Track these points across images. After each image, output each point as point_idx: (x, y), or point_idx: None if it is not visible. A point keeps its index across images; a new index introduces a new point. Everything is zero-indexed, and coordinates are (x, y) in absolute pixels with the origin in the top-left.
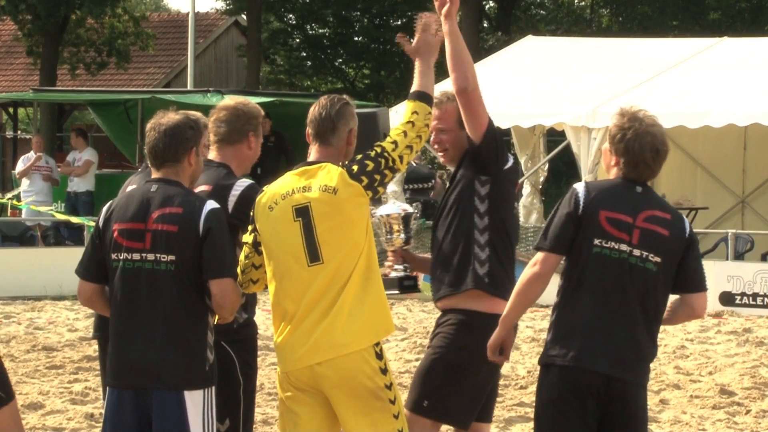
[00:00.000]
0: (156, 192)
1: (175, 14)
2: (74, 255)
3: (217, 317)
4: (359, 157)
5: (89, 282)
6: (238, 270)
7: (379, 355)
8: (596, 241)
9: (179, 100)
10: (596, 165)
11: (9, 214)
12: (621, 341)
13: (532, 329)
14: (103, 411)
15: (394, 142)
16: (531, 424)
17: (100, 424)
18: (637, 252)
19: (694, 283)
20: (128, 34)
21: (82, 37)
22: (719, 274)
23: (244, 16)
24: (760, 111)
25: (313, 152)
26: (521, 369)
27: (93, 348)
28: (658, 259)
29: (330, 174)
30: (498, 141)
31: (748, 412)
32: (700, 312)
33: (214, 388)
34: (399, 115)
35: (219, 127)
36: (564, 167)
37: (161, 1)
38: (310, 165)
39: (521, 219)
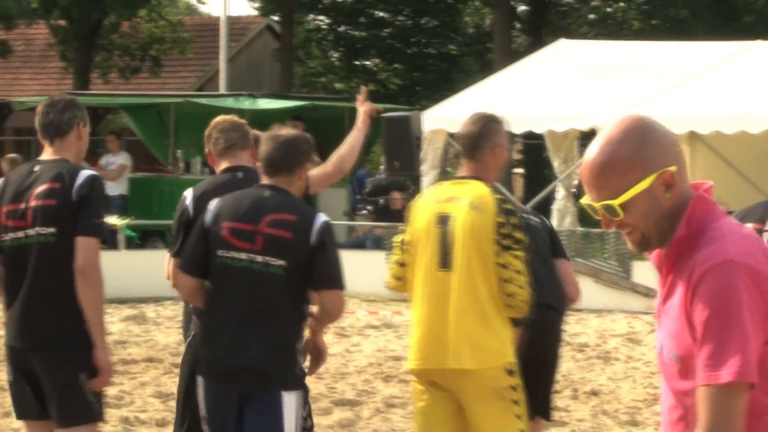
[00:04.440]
0: (269, 197)
1: (208, 18)
2: (107, 257)
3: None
4: (513, 208)
5: (193, 276)
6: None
7: (511, 372)
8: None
9: (212, 103)
10: None
11: None
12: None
13: None
14: (138, 414)
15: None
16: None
17: (135, 428)
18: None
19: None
20: (165, 39)
21: (115, 43)
22: None
23: (277, 18)
24: None
25: (463, 167)
26: None
27: (127, 351)
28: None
29: (480, 193)
30: None
31: None
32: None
33: (305, 390)
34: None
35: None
36: None
37: (195, 6)
38: (462, 179)
39: (555, 222)
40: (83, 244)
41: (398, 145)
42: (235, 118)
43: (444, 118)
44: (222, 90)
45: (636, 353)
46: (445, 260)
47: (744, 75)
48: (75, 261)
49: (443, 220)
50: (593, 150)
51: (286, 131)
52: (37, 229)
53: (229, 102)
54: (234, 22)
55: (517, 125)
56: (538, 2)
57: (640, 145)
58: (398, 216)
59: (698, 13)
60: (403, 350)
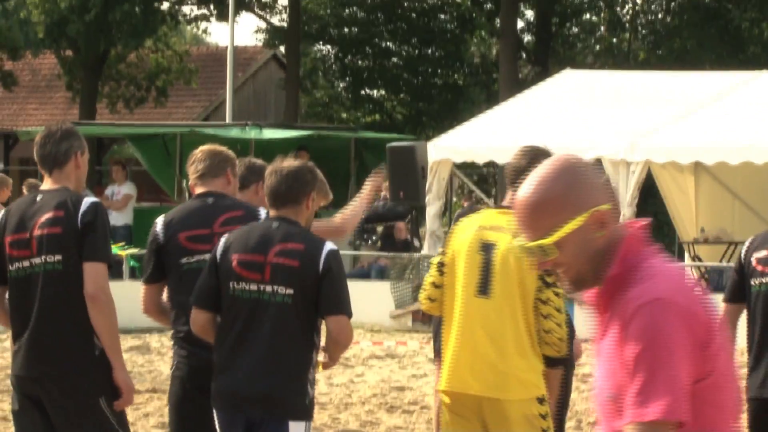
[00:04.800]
0: (278, 229)
1: (214, 48)
2: (114, 287)
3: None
4: None
5: (205, 311)
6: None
7: (541, 400)
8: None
9: (218, 133)
10: (634, 199)
11: None
12: None
13: None
14: None
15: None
16: None
17: None
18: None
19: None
20: (171, 70)
21: (122, 72)
22: None
23: (283, 50)
24: None
25: (508, 196)
26: None
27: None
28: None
29: None
30: None
31: None
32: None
33: (311, 422)
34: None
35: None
36: None
37: (202, 35)
38: (509, 209)
39: None
40: (91, 269)
41: (403, 175)
42: (212, 147)
43: (449, 148)
44: (228, 120)
45: None
46: (484, 287)
47: (749, 106)
48: (85, 287)
49: (487, 247)
50: (525, 190)
51: (289, 163)
52: (43, 257)
53: (235, 132)
54: (240, 53)
55: None
56: (543, 33)
57: (572, 184)
58: (402, 246)
59: (704, 43)
60: (407, 381)
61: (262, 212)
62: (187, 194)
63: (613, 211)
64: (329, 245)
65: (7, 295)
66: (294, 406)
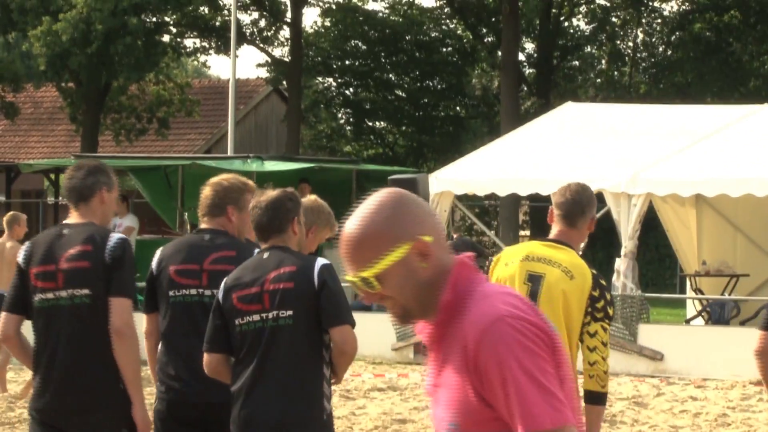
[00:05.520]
0: (269, 258)
1: (216, 81)
2: None
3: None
4: (606, 284)
5: (216, 353)
6: None
7: None
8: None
9: (219, 166)
10: (636, 232)
11: None
12: None
13: None
14: None
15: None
16: None
17: None
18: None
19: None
20: (172, 102)
21: (123, 104)
22: None
23: (285, 83)
24: None
25: (556, 231)
26: None
27: None
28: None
29: (577, 263)
30: None
31: None
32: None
33: None
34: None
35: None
36: (602, 233)
37: (203, 68)
38: (556, 242)
39: None
40: (118, 304)
41: None
42: (216, 183)
43: (451, 180)
44: (229, 152)
45: (642, 416)
46: None
47: (750, 138)
48: (110, 321)
49: (534, 278)
50: (348, 225)
51: (268, 195)
52: (70, 291)
53: (237, 164)
54: (242, 85)
55: (524, 187)
56: (545, 66)
57: (392, 217)
58: None
59: (705, 77)
60: (408, 413)
61: (256, 251)
62: (188, 226)
63: (436, 242)
64: (321, 260)
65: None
66: (314, 425)
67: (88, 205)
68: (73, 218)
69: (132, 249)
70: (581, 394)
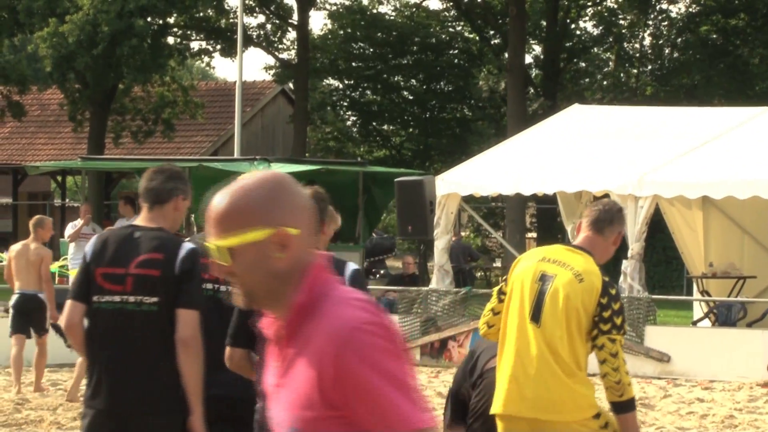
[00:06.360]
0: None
1: (222, 83)
2: None
3: None
4: (617, 293)
5: (238, 348)
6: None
7: (597, 415)
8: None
9: (226, 168)
10: (643, 234)
11: (57, 282)
12: None
13: None
14: None
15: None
16: None
17: None
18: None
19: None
20: (177, 103)
21: (126, 107)
22: None
23: (291, 85)
24: None
25: (582, 237)
26: None
27: None
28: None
29: (591, 269)
30: None
31: None
32: (181, 330)
33: None
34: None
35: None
36: None
37: (208, 70)
38: (577, 248)
39: None
40: (186, 315)
41: (412, 210)
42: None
43: (458, 182)
44: (236, 154)
45: (649, 418)
46: (536, 315)
47: (757, 140)
48: (177, 331)
49: (544, 278)
50: (222, 192)
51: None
52: (138, 297)
53: (244, 166)
54: (248, 87)
55: (530, 189)
56: (551, 68)
57: (265, 198)
58: (410, 280)
59: (712, 79)
60: None
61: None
62: (195, 228)
63: (300, 238)
64: (352, 266)
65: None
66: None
67: (162, 209)
68: (143, 220)
69: (200, 260)
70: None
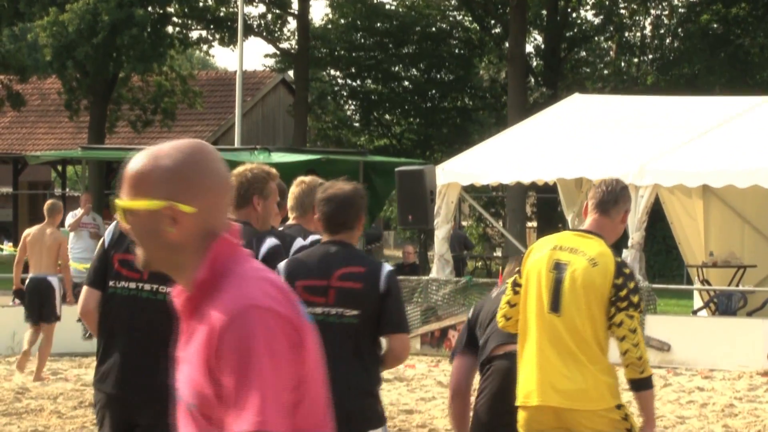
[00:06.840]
0: (336, 252)
1: (223, 72)
2: None
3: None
4: (631, 272)
5: None
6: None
7: (619, 406)
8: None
9: (226, 157)
10: (643, 223)
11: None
12: None
13: None
14: None
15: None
16: None
17: None
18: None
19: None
20: (175, 92)
21: (125, 96)
22: None
23: (292, 74)
24: None
25: (589, 221)
26: None
27: None
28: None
29: (603, 252)
30: None
31: None
32: (398, 353)
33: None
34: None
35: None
36: None
37: (209, 60)
38: (587, 232)
39: None
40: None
41: (412, 199)
42: (238, 174)
43: (458, 171)
44: (236, 144)
45: None
46: (555, 304)
47: (758, 129)
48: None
49: (558, 266)
50: (139, 155)
51: (341, 188)
52: (154, 285)
53: (244, 156)
54: (249, 77)
55: (529, 174)
56: (552, 57)
57: (169, 171)
58: (410, 269)
59: (713, 68)
60: (415, 404)
61: (268, 243)
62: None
63: (197, 216)
64: (387, 267)
65: None
66: (371, 417)
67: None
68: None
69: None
70: (626, 385)
